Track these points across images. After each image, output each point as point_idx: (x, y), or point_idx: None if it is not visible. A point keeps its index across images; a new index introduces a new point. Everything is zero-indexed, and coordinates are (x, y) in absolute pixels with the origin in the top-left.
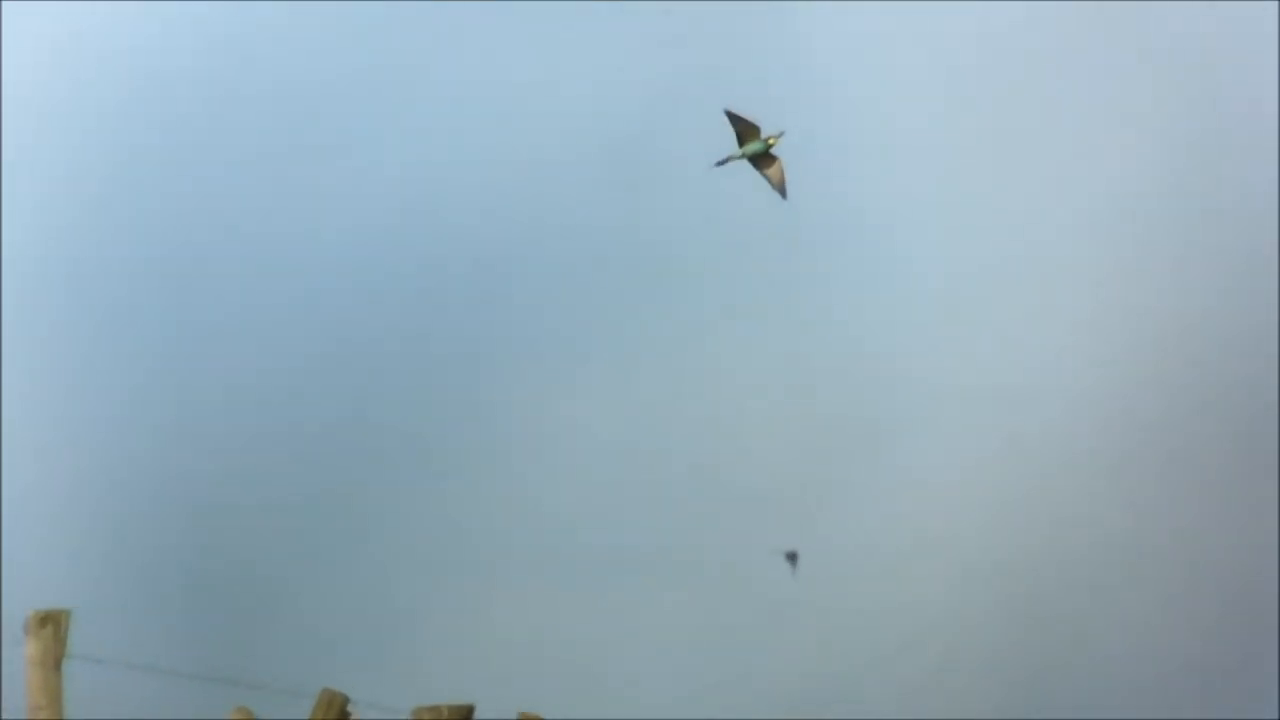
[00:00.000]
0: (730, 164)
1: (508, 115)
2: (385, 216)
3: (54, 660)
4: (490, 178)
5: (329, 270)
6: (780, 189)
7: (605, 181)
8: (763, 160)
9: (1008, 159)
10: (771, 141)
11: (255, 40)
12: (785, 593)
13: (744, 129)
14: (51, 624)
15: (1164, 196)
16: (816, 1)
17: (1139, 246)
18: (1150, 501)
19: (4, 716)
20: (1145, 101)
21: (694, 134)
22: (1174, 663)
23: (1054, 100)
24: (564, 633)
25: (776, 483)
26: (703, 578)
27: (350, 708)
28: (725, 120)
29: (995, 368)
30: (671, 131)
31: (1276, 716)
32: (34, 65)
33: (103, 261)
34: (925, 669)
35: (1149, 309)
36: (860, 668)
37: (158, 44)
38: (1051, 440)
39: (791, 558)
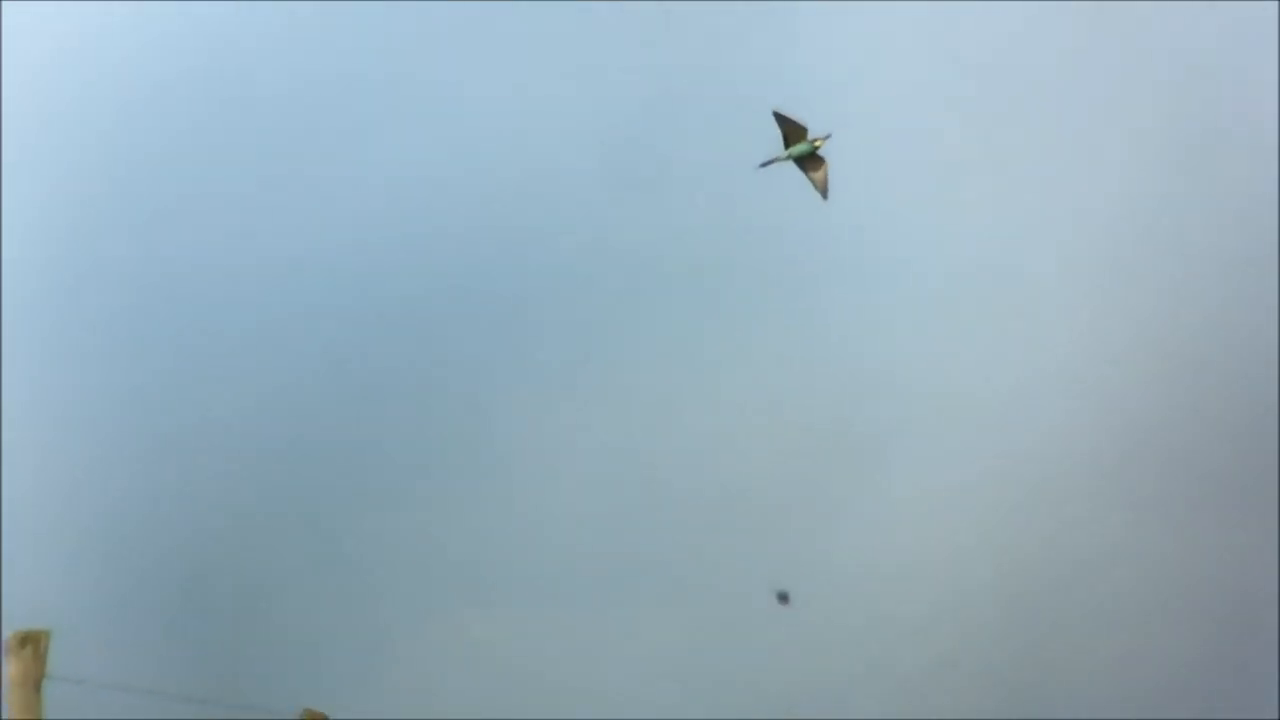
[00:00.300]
0: (724, 168)
1: (502, 121)
2: (381, 225)
3: (34, 681)
4: (485, 188)
5: (320, 279)
6: (823, 191)
7: (602, 189)
8: (809, 162)
9: (1005, 162)
10: (818, 143)
11: (254, 47)
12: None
13: (790, 129)
14: (31, 644)
15: (1162, 199)
16: (817, 2)
17: (1138, 250)
18: (1150, 505)
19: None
20: (1145, 103)
21: (693, 139)
22: (1174, 665)
23: (1052, 102)
24: (556, 649)
25: (776, 488)
26: (702, 585)
27: None
28: (730, 123)
29: (994, 372)
30: (669, 138)
31: (1276, 717)
32: (32, 66)
33: (90, 272)
34: (924, 672)
35: (1148, 312)
36: (860, 669)
37: (157, 48)
38: (1051, 445)
39: (783, 598)
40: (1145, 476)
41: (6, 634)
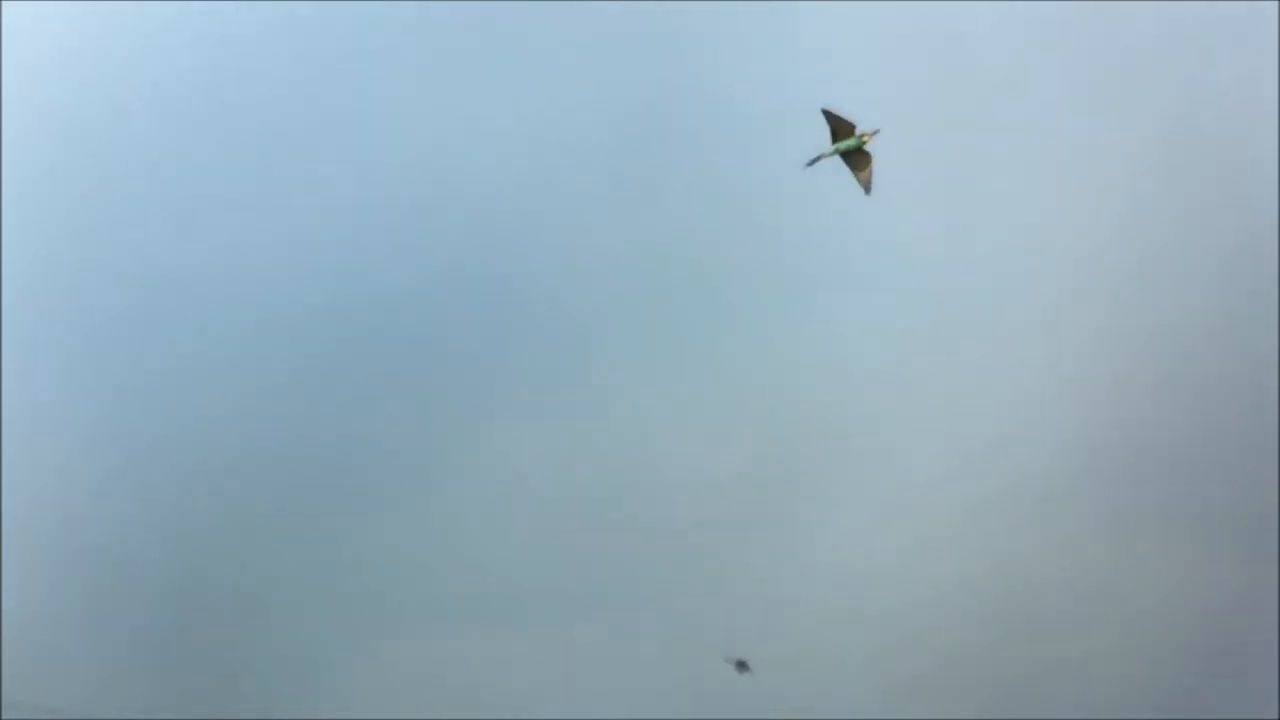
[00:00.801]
0: (700, 171)
1: (482, 130)
2: (343, 253)
3: None
4: (445, 213)
5: (287, 292)
6: (867, 187)
7: (569, 205)
8: (855, 158)
9: (999, 164)
10: (866, 138)
11: (252, 49)
12: (772, 597)
13: (838, 125)
14: None
15: (1160, 200)
16: (814, 2)
17: (1135, 252)
18: (1143, 502)
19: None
20: (1145, 103)
21: (684, 145)
22: (1168, 665)
23: (1050, 102)
24: (551, 657)
25: (766, 489)
26: (681, 593)
27: None
28: (717, 130)
29: (986, 371)
30: (662, 144)
31: (1276, 717)
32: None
33: (77, 278)
34: (919, 672)
35: (1143, 314)
36: (854, 670)
37: (153, 48)
38: (1042, 442)
39: (741, 666)
40: (1140, 472)
41: None
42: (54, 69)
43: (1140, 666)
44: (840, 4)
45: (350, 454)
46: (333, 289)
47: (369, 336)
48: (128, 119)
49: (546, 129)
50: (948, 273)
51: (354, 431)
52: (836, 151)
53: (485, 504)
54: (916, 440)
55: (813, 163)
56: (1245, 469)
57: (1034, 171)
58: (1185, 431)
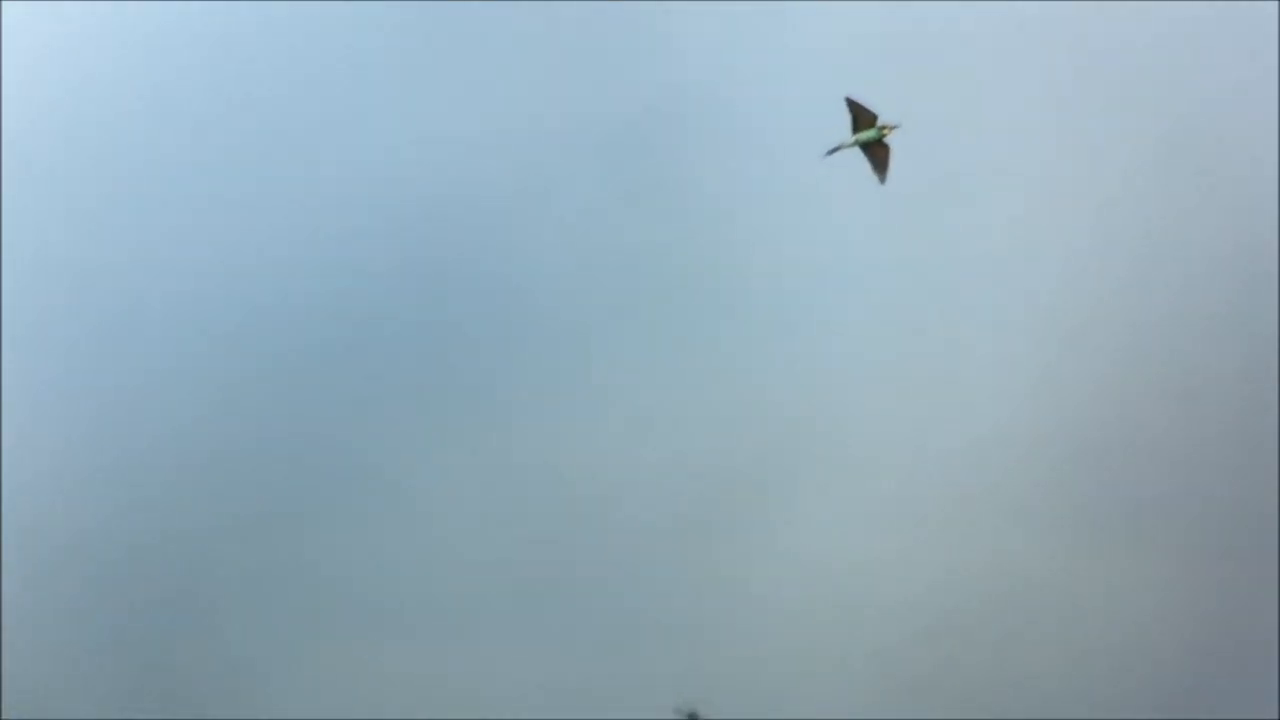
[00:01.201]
0: (698, 171)
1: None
2: (313, 249)
3: None
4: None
5: (239, 300)
6: (882, 177)
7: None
8: (874, 148)
9: (999, 159)
10: (886, 131)
11: (248, 47)
12: (770, 597)
13: (860, 115)
14: None
15: (1159, 199)
16: (816, 2)
17: (1132, 249)
18: (1142, 502)
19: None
20: (1143, 102)
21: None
22: (1168, 665)
23: (1048, 101)
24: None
25: (765, 489)
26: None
27: None
28: (720, 129)
29: (985, 369)
30: (658, 149)
31: (1277, 717)
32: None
33: (77, 278)
34: (917, 672)
35: (1141, 311)
36: (851, 670)
37: (145, 47)
38: (1041, 441)
39: (692, 718)
40: (1137, 478)
41: None
42: (54, 69)
43: (1140, 666)
44: (842, 4)
45: (346, 455)
46: (328, 288)
47: (365, 336)
48: (127, 119)
49: (546, 128)
50: (945, 271)
51: (347, 433)
52: (857, 143)
53: (481, 504)
54: (916, 439)
55: (832, 152)
56: (1245, 469)
57: (1032, 171)
58: (1184, 431)
